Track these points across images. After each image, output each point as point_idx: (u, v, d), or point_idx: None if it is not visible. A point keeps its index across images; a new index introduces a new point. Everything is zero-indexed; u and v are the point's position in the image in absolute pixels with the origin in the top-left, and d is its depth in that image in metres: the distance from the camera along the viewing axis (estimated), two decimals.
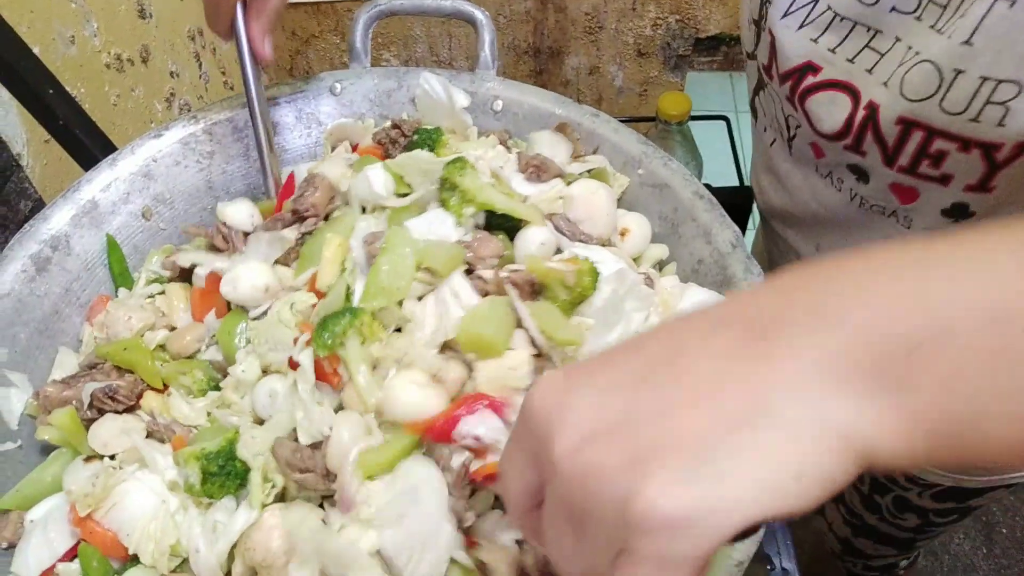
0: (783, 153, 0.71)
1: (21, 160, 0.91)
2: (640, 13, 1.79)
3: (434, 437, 0.51)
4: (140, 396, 0.61)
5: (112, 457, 0.57)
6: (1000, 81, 0.49)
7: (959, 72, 0.50)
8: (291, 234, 0.65)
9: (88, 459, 0.57)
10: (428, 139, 0.70)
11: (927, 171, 0.57)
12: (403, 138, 0.73)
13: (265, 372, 0.58)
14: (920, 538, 0.97)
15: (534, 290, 0.57)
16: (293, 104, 0.79)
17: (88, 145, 0.77)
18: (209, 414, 0.59)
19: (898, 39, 0.55)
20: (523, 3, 1.76)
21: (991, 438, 0.27)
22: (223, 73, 1.56)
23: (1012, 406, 0.26)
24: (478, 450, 0.50)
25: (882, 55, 0.56)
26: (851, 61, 0.58)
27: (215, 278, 0.64)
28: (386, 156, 0.73)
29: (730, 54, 1.93)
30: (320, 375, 0.54)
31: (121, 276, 0.70)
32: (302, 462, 0.52)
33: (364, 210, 0.67)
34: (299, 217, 0.66)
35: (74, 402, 0.59)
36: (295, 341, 0.56)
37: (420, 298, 0.58)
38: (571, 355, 0.54)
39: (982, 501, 0.88)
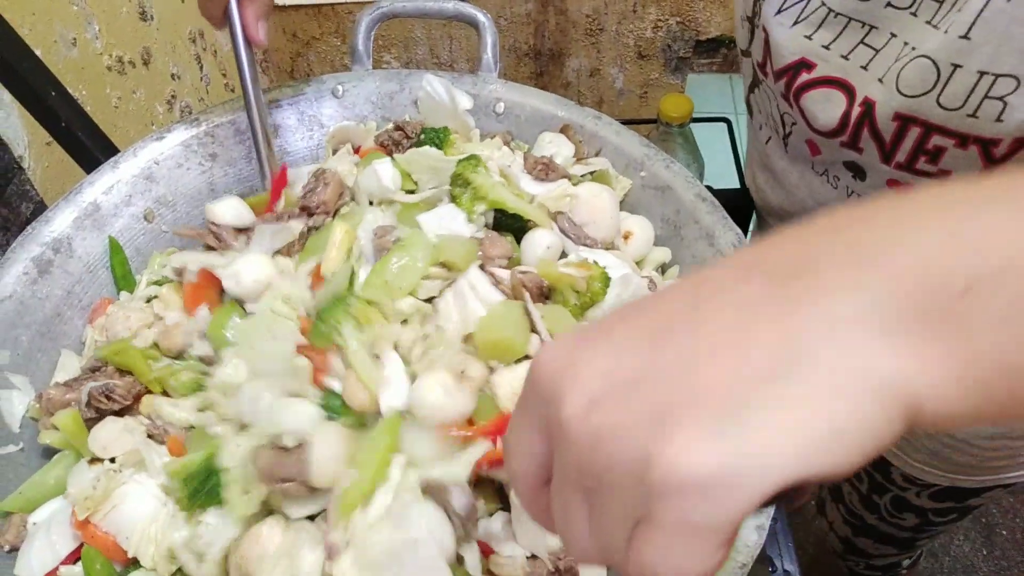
0: (779, 151, 0.71)
1: (23, 162, 0.91)
2: (641, 15, 1.79)
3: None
4: (139, 397, 0.60)
5: (112, 460, 0.57)
6: (998, 76, 0.49)
7: (956, 67, 0.50)
8: (297, 225, 0.65)
9: (92, 461, 0.57)
10: (435, 138, 0.70)
11: (925, 167, 0.57)
12: (407, 140, 0.73)
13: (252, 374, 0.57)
14: (920, 537, 0.97)
15: (543, 293, 0.57)
16: (295, 106, 0.79)
17: (90, 147, 0.77)
18: (191, 426, 0.58)
19: (893, 35, 0.55)
20: (524, 5, 1.76)
21: None
22: (224, 75, 1.56)
23: None
24: None
25: (877, 51, 0.56)
26: (845, 58, 0.58)
27: (206, 273, 0.64)
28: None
29: (730, 56, 1.93)
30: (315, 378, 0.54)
31: (123, 279, 0.70)
32: (284, 470, 0.50)
33: (371, 204, 0.67)
34: (308, 213, 0.66)
35: (74, 404, 0.59)
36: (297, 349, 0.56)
37: (431, 298, 0.59)
38: None
39: (980, 501, 0.88)
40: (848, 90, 0.58)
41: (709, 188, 0.68)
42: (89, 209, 0.70)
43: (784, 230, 0.27)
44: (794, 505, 1.17)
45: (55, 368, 0.65)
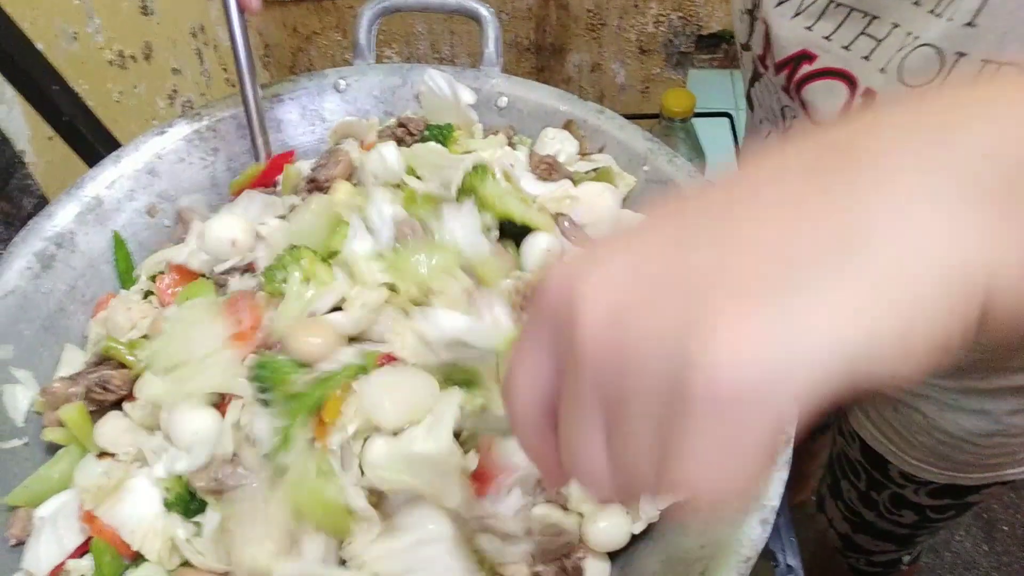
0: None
1: (24, 157, 0.91)
2: (642, 10, 1.79)
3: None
4: None
5: (114, 455, 0.57)
6: (1003, 64, 0.49)
7: (961, 55, 0.50)
8: (292, 200, 0.65)
9: (100, 455, 0.57)
10: (439, 134, 0.70)
11: None
12: (410, 136, 0.72)
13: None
14: (919, 534, 0.97)
15: None
16: (297, 101, 0.79)
17: (92, 141, 0.77)
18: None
19: (896, 24, 0.54)
20: (525, 0, 1.75)
21: None
22: (225, 70, 1.56)
23: None
24: None
25: (879, 41, 0.55)
26: (847, 48, 0.57)
27: (178, 267, 0.64)
28: None
29: (731, 51, 1.93)
30: None
31: (127, 274, 0.70)
32: (230, 478, 0.51)
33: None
34: (316, 186, 0.66)
35: (74, 398, 0.59)
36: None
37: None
38: None
39: (979, 498, 0.88)
40: (850, 81, 0.58)
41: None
42: (91, 204, 0.70)
43: (806, 136, 0.24)
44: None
45: (58, 363, 0.65)
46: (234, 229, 0.61)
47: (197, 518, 0.53)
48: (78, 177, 0.71)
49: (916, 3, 0.53)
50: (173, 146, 0.74)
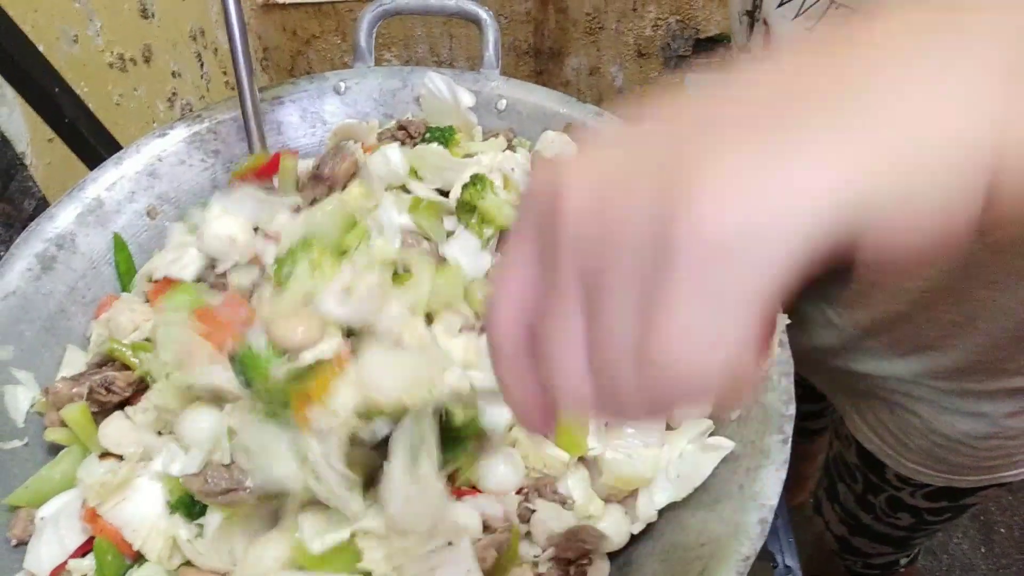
0: None
1: (25, 159, 0.91)
2: (640, 14, 1.79)
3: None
4: (144, 390, 0.60)
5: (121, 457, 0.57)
6: None
7: None
8: (289, 200, 0.65)
9: (103, 456, 0.57)
10: (441, 137, 0.70)
11: None
12: (410, 139, 0.73)
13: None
14: (916, 536, 0.98)
15: None
16: (297, 103, 0.79)
17: (93, 144, 0.77)
18: None
19: None
20: (524, 4, 1.76)
21: None
22: (224, 73, 1.56)
23: None
24: None
25: None
26: None
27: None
28: None
29: (729, 54, 1.94)
30: None
31: (127, 275, 0.70)
32: (224, 483, 0.51)
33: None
34: (321, 181, 0.66)
35: (77, 398, 0.59)
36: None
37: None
38: None
39: (976, 500, 0.88)
40: None
41: None
42: (92, 205, 0.70)
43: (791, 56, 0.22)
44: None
45: (59, 363, 0.65)
46: (232, 227, 0.61)
47: (200, 520, 0.53)
48: (78, 179, 0.71)
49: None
50: (174, 148, 0.74)
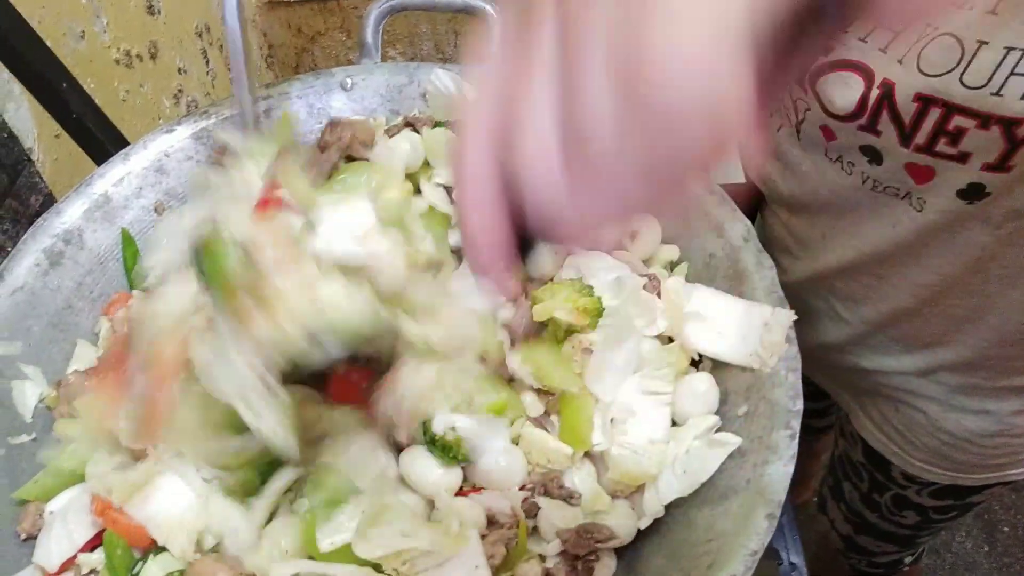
0: (791, 139, 0.71)
1: (32, 155, 0.91)
2: None
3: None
4: None
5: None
6: None
7: (982, 43, 0.50)
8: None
9: (112, 451, 0.57)
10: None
11: (945, 149, 0.56)
12: (416, 135, 0.73)
13: None
14: (921, 535, 0.98)
15: (537, 332, 0.59)
16: (304, 99, 0.79)
17: (101, 139, 0.77)
18: None
19: None
20: None
21: None
22: (229, 70, 1.56)
23: None
24: None
25: (897, 32, 0.55)
26: (863, 40, 0.57)
27: None
28: None
29: None
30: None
31: (134, 271, 0.70)
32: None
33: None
34: (325, 148, 0.67)
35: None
36: None
37: None
38: None
39: (981, 498, 0.88)
40: (866, 73, 0.58)
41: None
42: (100, 201, 0.70)
43: None
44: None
45: (66, 359, 0.65)
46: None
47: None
48: (84, 175, 0.71)
49: None
50: (181, 144, 0.74)
